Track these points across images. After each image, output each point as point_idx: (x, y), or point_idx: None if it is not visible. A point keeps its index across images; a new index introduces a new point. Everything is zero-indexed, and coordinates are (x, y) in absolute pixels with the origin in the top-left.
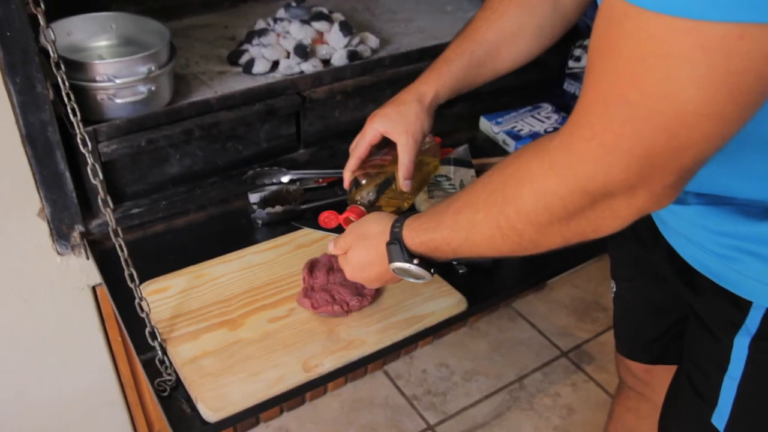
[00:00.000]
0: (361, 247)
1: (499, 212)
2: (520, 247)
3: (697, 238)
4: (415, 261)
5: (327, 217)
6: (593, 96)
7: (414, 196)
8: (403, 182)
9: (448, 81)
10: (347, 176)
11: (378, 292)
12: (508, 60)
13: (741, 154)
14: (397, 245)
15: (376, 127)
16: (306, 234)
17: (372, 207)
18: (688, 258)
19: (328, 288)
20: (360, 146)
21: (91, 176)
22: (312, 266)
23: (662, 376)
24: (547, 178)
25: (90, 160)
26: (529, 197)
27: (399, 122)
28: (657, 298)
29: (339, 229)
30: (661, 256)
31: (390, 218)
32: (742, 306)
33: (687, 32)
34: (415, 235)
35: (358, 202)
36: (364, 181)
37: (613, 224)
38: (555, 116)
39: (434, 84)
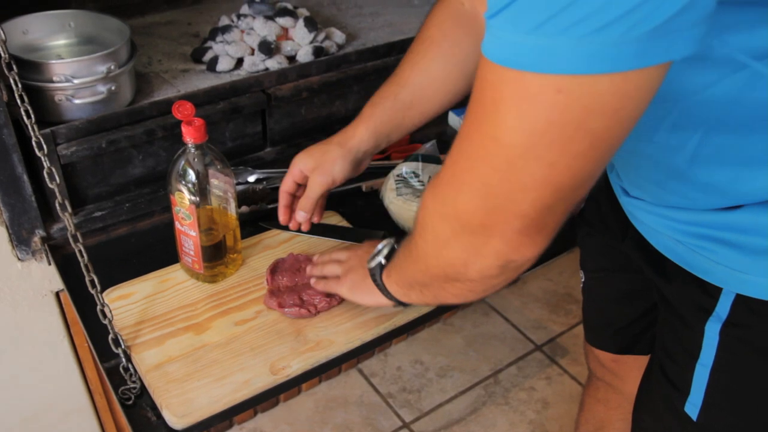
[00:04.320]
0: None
1: (413, 230)
2: (416, 267)
3: (666, 228)
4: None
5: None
6: (460, 129)
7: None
8: (297, 213)
9: (372, 124)
10: (282, 213)
11: None
12: (436, 101)
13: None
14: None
15: (298, 166)
16: (273, 235)
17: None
18: (659, 246)
19: (296, 289)
20: (285, 182)
21: (47, 180)
22: (275, 267)
23: (630, 366)
24: (426, 195)
25: (46, 163)
26: (420, 211)
27: (319, 161)
28: (625, 288)
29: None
30: (631, 246)
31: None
32: (713, 293)
33: (513, 82)
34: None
35: None
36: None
37: (480, 263)
38: None
39: (359, 128)
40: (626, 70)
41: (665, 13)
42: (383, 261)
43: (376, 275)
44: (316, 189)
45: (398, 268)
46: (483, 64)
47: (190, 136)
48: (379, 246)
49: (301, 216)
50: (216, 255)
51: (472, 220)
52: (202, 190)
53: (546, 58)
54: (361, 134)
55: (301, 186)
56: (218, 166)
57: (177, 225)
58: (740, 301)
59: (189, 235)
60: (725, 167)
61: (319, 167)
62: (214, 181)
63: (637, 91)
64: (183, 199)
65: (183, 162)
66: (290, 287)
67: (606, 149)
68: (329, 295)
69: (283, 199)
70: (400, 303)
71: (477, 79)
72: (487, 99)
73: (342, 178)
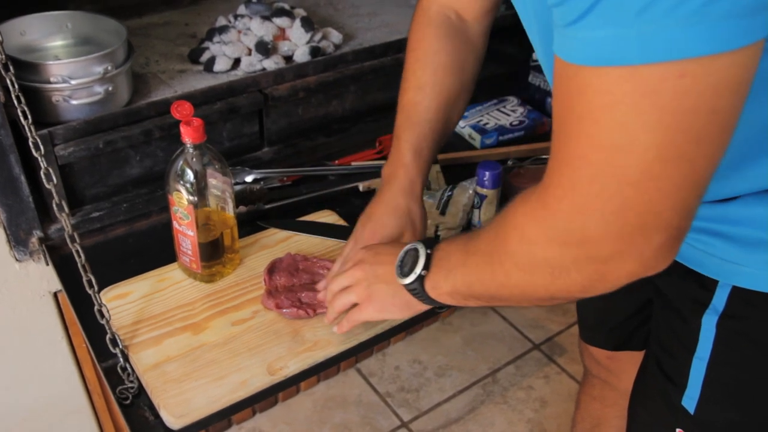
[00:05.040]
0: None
1: (493, 248)
2: (507, 290)
3: None
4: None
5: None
6: (559, 157)
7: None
8: None
9: (424, 168)
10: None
11: None
12: (459, 114)
13: None
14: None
15: (377, 238)
16: (271, 234)
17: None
18: None
19: (294, 289)
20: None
21: (44, 181)
22: (273, 267)
23: (625, 362)
24: (530, 225)
25: (43, 164)
26: (515, 240)
27: (406, 228)
28: None
29: (302, 228)
30: None
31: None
32: (709, 285)
33: (626, 79)
34: (435, 286)
35: None
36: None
37: (603, 287)
38: (521, 109)
39: (418, 178)
40: (741, 47)
41: None
42: (423, 273)
43: (418, 288)
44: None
45: (458, 283)
46: (576, 74)
47: (189, 136)
48: (404, 256)
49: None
50: (214, 254)
51: (605, 248)
52: (200, 190)
53: (657, 46)
54: (423, 183)
55: (210, 181)
56: (216, 166)
57: (175, 225)
58: (736, 293)
59: (187, 234)
60: (726, 158)
61: (410, 232)
62: (212, 181)
63: (753, 62)
64: (181, 198)
65: (181, 162)
66: (288, 287)
67: (731, 130)
68: None
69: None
70: (442, 307)
71: (569, 93)
72: (595, 108)
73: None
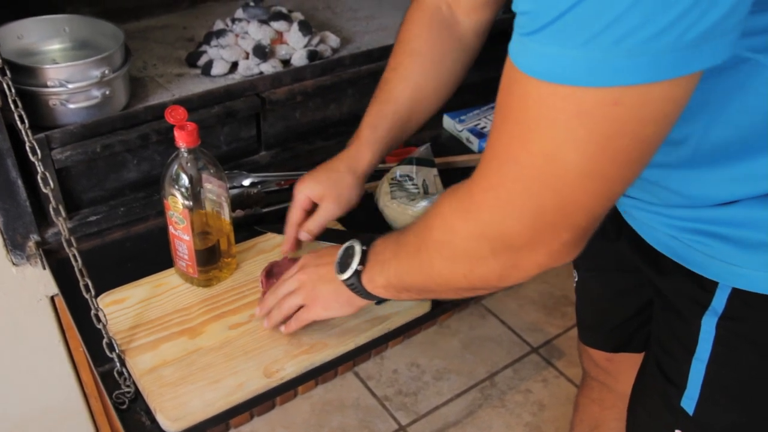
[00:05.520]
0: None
1: (421, 238)
2: (432, 280)
3: (661, 225)
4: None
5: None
6: (491, 151)
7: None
8: (300, 234)
9: (378, 147)
10: (291, 245)
11: None
12: (430, 110)
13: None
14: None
15: (305, 193)
16: (268, 239)
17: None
18: (654, 242)
19: None
20: (294, 214)
21: (41, 185)
22: (270, 270)
23: (624, 364)
24: (454, 216)
25: (40, 168)
26: (439, 229)
27: (330, 189)
28: (619, 286)
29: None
30: (626, 243)
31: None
32: (708, 287)
33: (565, 98)
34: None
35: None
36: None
37: (517, 276)
38: None
39: (366, 153)
40: (679, 76)
41: (712, 17)
42: (359, 267)
43: (355, 283)
44: (329, 217)
45: (391, 276)
46: (522, 81)
47: (183, 140)
48: (343, 254)
49: (306, 236)
50: (210, 259)
51: (519, 240)
52: (195, 194)
53: (601, 72)
54: (370, 159)
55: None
56: (211, 170)
57: (171, 229)
58: (736, 294)
59: (183, 239)
60: (725, 160)
61: (332, 195)
62: (207, 185)
63: (685, 95)
64: (176, 203)
65: (176, 166)
66: None
67: (652, 153)
68: None
69: (291, 232)
70: (381, 300)
71: (512, 96)
72: (533, 116)
73: (356, 204)
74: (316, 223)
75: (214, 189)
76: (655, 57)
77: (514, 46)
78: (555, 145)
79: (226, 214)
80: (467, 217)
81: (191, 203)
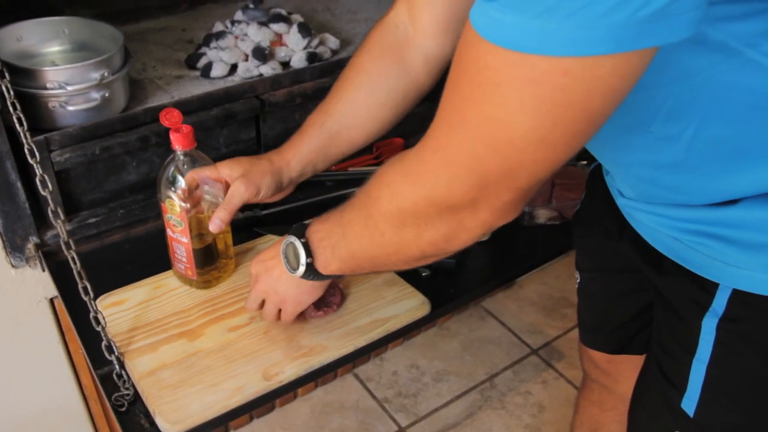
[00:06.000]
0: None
1: (367, 212)
2: (383, 250)
3: (662, 226)
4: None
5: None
6: (442, 113)
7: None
8: (212, 221)
9: (299, 152)
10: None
11: (343, 299)
12: (363, 130)
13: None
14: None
15: (224, 169)
16: (267, 240)
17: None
18: (655, 243)
19: None
20: (198, 171)
21: (40, 187)
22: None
23: (624, 366)
24: (401, 183)
25: (39, 171)
26: (386, 198)
27: (244, 170)
28: (620, 288)
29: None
30: (628, 244)
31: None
32: (709, 288)
33: (517, 65)
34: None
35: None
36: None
37: (465, 237)
38: None
39: (287, 154)
40: (628, 51)
41: None
42: (309, 260)
43: (312, 274)
44: (238, 198)
45: (343, 255)
46: (477, 45)
47: (178, 143)
48: (285, 252)
49: (217, 225)
50: (208, 261)
51: (463, 200)
52: (192, 196)
53: (553, 42)
54: (288, 160)
55: (203, 187)
56: None
57: (168, 232)
58: (736, 295)
59: (181, 241)
60: (720, 160)
61: (247, 177)
62: (204, 187)
63: (634, 72)
64: (173, 206)
65: (172, 169)
66: None
67: (598, 126)
68: (326, 305)
69: (191, 183)
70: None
71: (467, 59)
72: (485, 80)
73: (266, 193)
74: (229, 207)
75: (211, 191)
76: (606, 31)
77: (476, 10)
78: (504, 109)
79: None
80: (414, 180)
81: (188, 205)
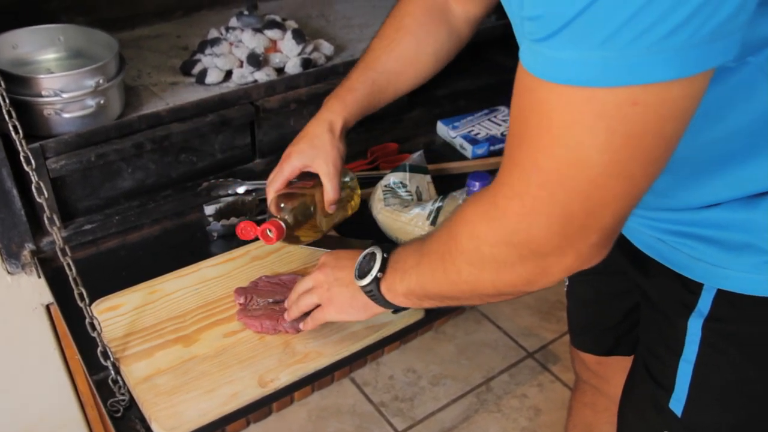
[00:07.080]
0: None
1: (446, 247)
2: (457, 287)
3: (647, 228)
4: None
5: (244, 228)
6: (512, 160)
7: (328, 230)
8: (328, 207)
9: (353, 109)
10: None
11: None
12: (409, 83)
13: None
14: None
15: (294, 164)
16: (261, 245)
17: (290, 228)
18: (640, 245)
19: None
20: (277, 180)
21: (36, 194)
22: (246, 288)
23: (615, 367)
24: (480, 223)
25: (34, 178)
26: (465, 237)
27: (317, 155)
28: (608, 290)
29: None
30: (614, 246)
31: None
32: (694, 289)
33: (584, 101)
34: (391, 288)
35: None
36: (282, 204)
37: (545, 281)
38: None
39: (342, 113)
40: (694, 74)
41: (723, 14)
42: (379, 275)
43: (374, 290)
44: (333, 178)
45: (412, 284)
46: (537, 88)
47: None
48: (362, 260)
49: (333, 209)
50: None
51: (547, 246)
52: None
53: (618, 71)
54: (346, 118)
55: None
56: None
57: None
58: (721, 296)
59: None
60: (706, 165)
61: (324, 158)
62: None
63: (700, 91)
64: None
65: None
66: (268, 309)
67: (673, 149)
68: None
69: (272, 195)
70: (399, 309)
71: (528, 105)
72: (553, 123)
73: (344, 157)
74: (330, 193)
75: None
76: (670, 55)
77: (526, 54)
78: (579, 149)
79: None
80: (492, 225)
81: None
